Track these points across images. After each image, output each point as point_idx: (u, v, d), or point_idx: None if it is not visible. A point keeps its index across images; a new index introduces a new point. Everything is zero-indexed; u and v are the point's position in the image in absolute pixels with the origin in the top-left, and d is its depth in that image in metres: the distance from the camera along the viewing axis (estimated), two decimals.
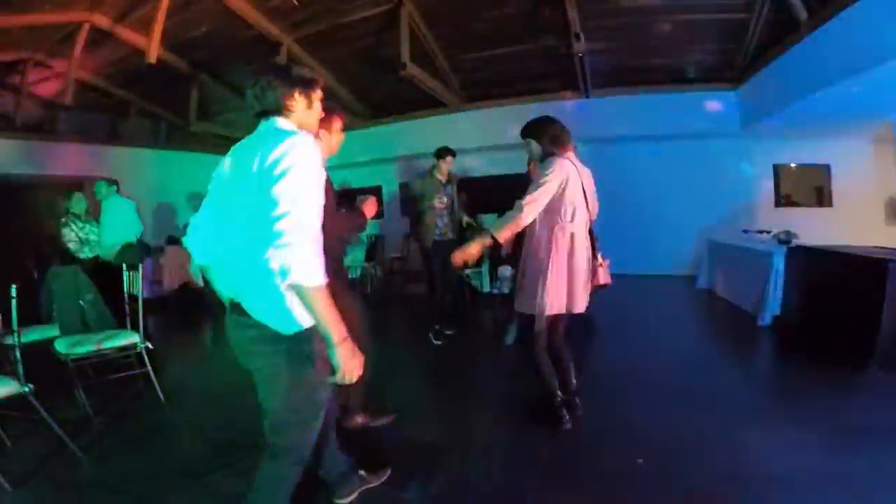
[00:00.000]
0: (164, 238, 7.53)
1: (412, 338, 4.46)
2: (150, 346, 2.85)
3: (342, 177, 8.72)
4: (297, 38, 6.78)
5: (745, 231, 5.66)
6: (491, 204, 5.93)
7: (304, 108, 1.47)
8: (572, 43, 5.93)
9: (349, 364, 1.28)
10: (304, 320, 1.30)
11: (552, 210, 2.25)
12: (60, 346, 2.59)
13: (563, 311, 2.32)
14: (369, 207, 2.30)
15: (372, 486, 1.98)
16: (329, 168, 2.27)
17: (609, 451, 2.28)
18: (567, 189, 2.25)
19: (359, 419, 2.50)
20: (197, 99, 7.54)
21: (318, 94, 1.52)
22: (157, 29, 5.44)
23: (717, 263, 5.75)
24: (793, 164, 6.91)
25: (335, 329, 1.26)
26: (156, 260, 6.69)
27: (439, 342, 4.03)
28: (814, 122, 5.80)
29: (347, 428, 2.39)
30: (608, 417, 2.54)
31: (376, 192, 8.77)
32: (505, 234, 2.20)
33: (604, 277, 2.43)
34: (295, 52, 6.89)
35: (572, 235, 2.29)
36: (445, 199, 4.10)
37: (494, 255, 5.44)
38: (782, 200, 6.91)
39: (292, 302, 1.27)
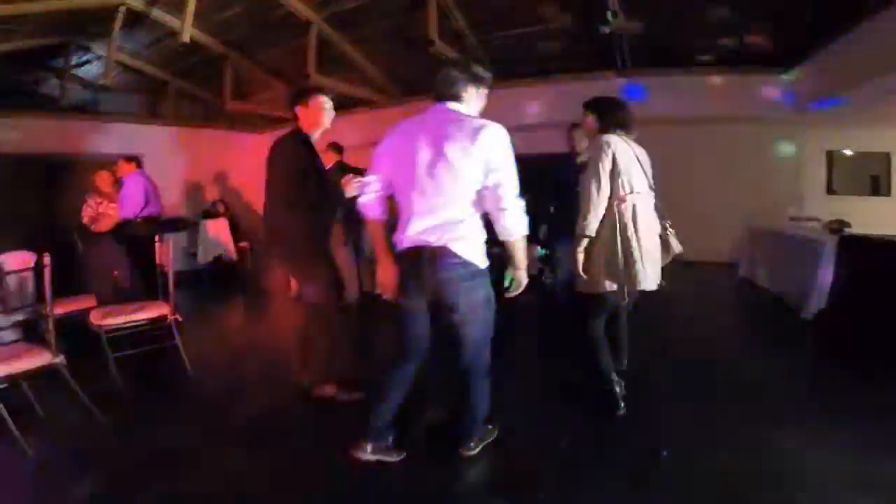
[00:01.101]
0: (199, 213, 7.74)
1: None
2: (179, 318, 2.92)
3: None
4: (326, 17, 6.74)
5: (793, 219, 5.32)
6: (522, 184, 5.78)
7: (474, 98, 1.87)
8: (608, 20, 5.66)
9: (524, 284, 1.86)
10: (485, 260, 1.80)
11: (613, 186, 2.19)
12: (94, 318, 2.67)
13: (628, 289, 2.21)
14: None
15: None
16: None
17: (635, 438, 2.22)
18: (618, 162, 2.17)
19: (328, 390, 2.55)
20: (232, 78, 7.63)
21: (484, 91, 1.91)
22: (190, 10, 5.51)
23: (759, 251, 5.44)
24: (848, 151, 6.46)
25: (523, 257, 1.80)
26: (190, 234, 6.88)
27: None
28: (874, 108, 5.38)
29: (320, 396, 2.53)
30: (637, 405, 2.43)
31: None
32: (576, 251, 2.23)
33: (676, 246, 2.35)
34: (325, 31, 6.87)
35: (634, 207, 2.19)
36: None
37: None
38: (835, 188, 6.48)
39: (483, 246, 1.78)
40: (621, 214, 2.18)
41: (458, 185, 1.70)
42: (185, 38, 5.60)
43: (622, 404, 2.35)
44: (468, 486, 1.93)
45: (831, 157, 6.49)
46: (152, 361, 3.04)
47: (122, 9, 6.22)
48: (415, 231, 1.75)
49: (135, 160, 4.70)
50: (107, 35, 6.50)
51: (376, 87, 8.25)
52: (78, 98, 7.65)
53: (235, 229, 6.92)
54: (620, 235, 2.17)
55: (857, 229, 4.19)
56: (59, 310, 2.82)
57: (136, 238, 3.85)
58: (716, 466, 1.97)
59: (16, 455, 1.98)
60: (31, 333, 2.62)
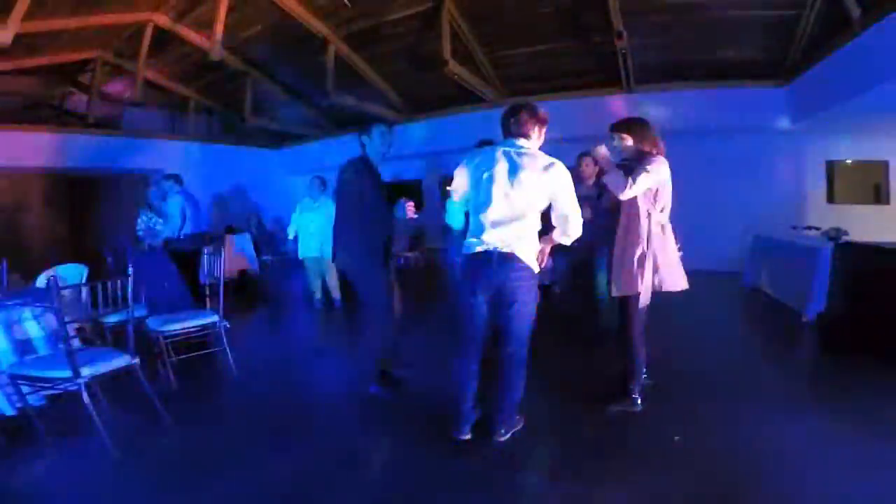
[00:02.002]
0: (223, 228, 7.99)
1: None
2: (227, 325, 3.17)
3: (389, 171, 9.01)
4: (343, 37, 7.03)
5: (794, 227, 5.54)
6: None
7: (536, 137, 2.30)
8: (614, 39, 5.94)
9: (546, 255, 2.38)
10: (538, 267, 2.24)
11: (649, 202, 2.47)
12: (153, 324, 2.93)
13: (667, 288, 2.53)
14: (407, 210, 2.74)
15: None
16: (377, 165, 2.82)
17: (653, 428, 2.42)
18: (664, 186, 2.50)
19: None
20: (251, 95, 7.92)
21: (545, 129, 2.34)
22: (219, 27, 5.77)
23: (763, 260, 5.65)
24: (848, 161, 6.68)
25: (549, 247, 2.35)
26: (201, 249, 7.09)
27: None
28: (872, 118, 5.60)
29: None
30: (655, 400, 2.65)
31: (416, 185, 9.01)
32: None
33: None
34: (342, 50, 7.16)
35: (662, 227, 2.54)
36: None
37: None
38: (835, 197, 6.70)
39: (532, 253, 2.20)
40: (655, 228, 2.48)
41: (527, 206, 2.16)
42: (216, 55, 5.85)
43: (640, 401, 2.58)
44: (500, 468, 2.13)
45: (831, 167, 6.70)
46: (199, 364, 3.28)
47: (151, 25, 6.53)
48: (488, 238, 2.15)
49: (174, 177, 4.93)
50: (134, 52, 6.79)
51: (390, 105, 8.52)
52: (104, 114, 7.92)
53: (263, 243, 7.15)
54: (655, 244, 2.47)
55: (858, 237, 4.39)
56: (115, 317, 3.05)
57: (179, 253, 4.11)
58: (729, 452, 2.17)
59: (102, 453, 2.18)
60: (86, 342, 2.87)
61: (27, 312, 2.54)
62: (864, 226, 5.12)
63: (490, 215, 2.17)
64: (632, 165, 2.47)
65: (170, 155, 8.20)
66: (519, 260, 2.15)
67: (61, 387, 2.17)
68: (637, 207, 2.46)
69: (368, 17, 6.53)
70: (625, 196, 2.38)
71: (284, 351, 4.19)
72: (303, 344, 4.50)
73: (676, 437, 2.29)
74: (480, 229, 2.20)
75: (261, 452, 2.32)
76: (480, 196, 2.21)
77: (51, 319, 2.67)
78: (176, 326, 2.98)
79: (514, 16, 6.28)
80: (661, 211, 2.52)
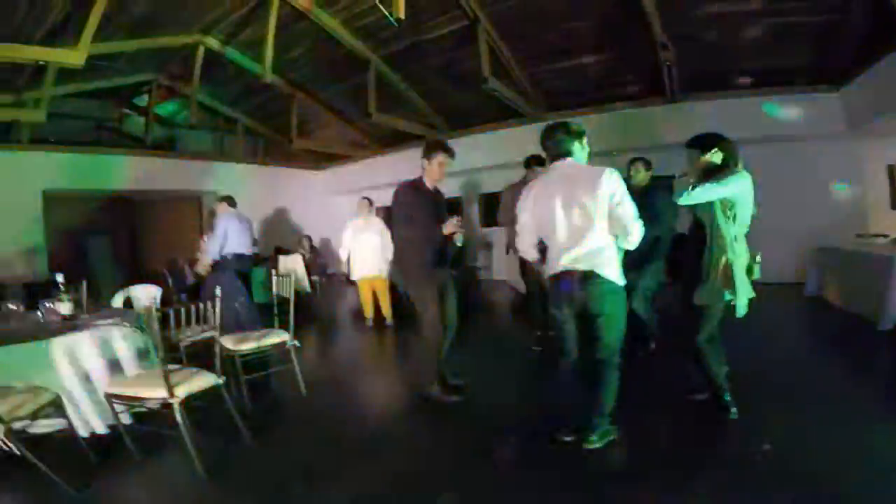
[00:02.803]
0: (273, 248, 8.14)
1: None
2: (297, 344, 3.22)
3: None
4: (383, 56, 7.19)
5: (860, 235, 5.31)
6: None
7: (581, 150, 2.33)
8: (656, 50, 5.89)
9: None
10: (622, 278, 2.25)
11: (739, 216, 2.50)
12: (228, 343, 2.99)
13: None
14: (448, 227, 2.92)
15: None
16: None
17: (729, 442, 2.39)
18: (743, 198, 2.51)
19: (433, 389, 2.99)
20: (297, 116, 8.16)
21: (586, 141, 2.36)
22: (269, 49, 5.98)
23: (828, 269, 5.43)
24: None
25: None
26: (268, 269, 7.25)
27: (539, 348, 4.14)
28: None
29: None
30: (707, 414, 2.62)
31: (456, 202, 9.05)
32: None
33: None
34: (382, 69, 7.33)
35: (742, 237, 2.55)
36: None
37: None
38: None
39: (620, 268, 2.22)
40: (741, 240, 2.51)
41: (591, 221, 2.16)
42: (268, 78, 6.06)
43: (734, 409, 2.55)
44: (587, 474, 2.15)
45: (892, 172, 6.40)
46: (268, 383, 3.34)
47: (202, 49, 6.83)
48: (565, 261, 2.21)
49: (226, 199, 5.06)
50: (185, 75, 7.10)
51: (427, 123, 8.64)
52: (158, 136, 8.27)
53: (311, 263, 7.24)
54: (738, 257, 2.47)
55: None
56: (188, 336, 3.11)
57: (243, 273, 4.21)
58: (813, 461, 2.12)
59: (190, 472, 2.20)
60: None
61: (116, 332, 2.63)
62: None
63: (559, 240, 2.23)
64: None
65: (219, 177, 8.49)
66: (598, 276, 2.18)
67: (153, 405, 2.22)
68: (720, 218, 2.45)
69: (406, 36, 6.66)
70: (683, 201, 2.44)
71: (346, 369, 4.25)
72: (362, 362, 4.57)
73: (767, 446, 2.23)
74: (555, 254, 2.27)
75: (342, 470, 2.33)
76: (546, 225, 2.29)
77: (136, 339, 2.76)
78: (251, 346, 3.03)
79: (551, 31, 6.30)
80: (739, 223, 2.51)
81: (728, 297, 2.47)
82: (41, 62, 4.93)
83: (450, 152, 3.04)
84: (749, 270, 2.54)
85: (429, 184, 3.07)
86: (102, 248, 7.73)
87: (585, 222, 2.17)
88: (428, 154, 3.03)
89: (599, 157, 6.72)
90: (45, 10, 5.04)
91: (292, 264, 6.68)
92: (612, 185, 2.14)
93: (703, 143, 2.57)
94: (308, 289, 6.64)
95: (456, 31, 6.44)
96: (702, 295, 2.50)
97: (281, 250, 7.57)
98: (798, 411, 2.65)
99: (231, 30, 6.71)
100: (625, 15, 5.72)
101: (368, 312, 5.44)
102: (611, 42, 6.33)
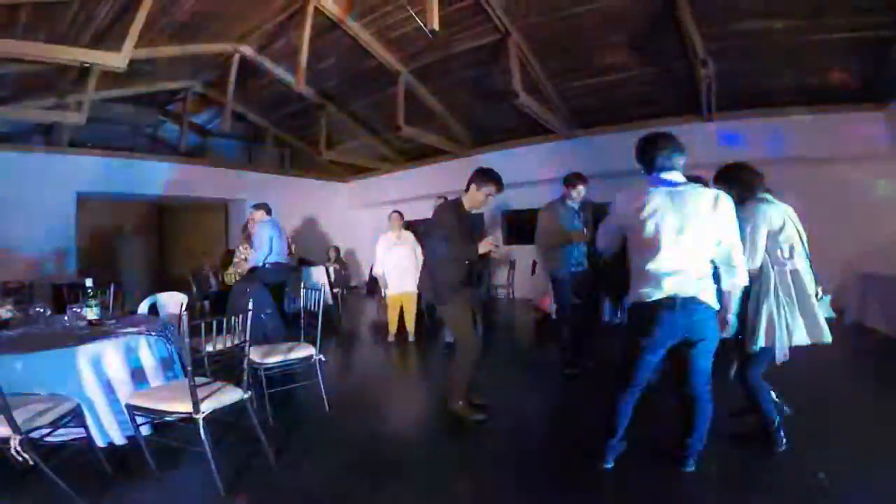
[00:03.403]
0: (296, 259, 8.11)
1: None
2: (323, 358, 3.12)
3: None
4: (412, 69, 7.19)
5: None
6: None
7: (680, 167, 2.17)
8: (695, 67, 5.74)
9: (732, 328, 2.19)
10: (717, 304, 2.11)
11: (770, 250, 2.36)
12: (254, 356, 2.89)
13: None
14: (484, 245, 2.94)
15: None
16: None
17: (792, 471, 2.29)
18: (777, 229, 2.35)
19: (460, 408, 2.96)
20: (325, 127, 8.20)
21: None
22: (303, 59, 5.99)
23: (872, 295, 5.18)
24: None
25: (735, 305, 2.16)
26: (295, 278, 7.22)
27: (569, 371, 3.96)
28: None
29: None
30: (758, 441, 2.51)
31: (480, 218, 8.93)
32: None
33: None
34: (411, 83, 7.33)
35: (794, 273, 2.35)
36: (581, 228, 4.01)
37: (616, 283, 5.29)
38: None
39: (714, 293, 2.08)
40: (780, 277, 2.37)
41: (702, 245, 2.05)
42: (301, 87, 6.08)
43: (784, 440, 2.44)
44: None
45: None
46: (291, 397, 3.25)
47: (237, 56, 6.92)
48: (670, 287, 2.04)
49: (263, 207, 5.05)
50: (220, 83, 7.19)
51: (452, 138, 8.60)
52: (191, 143, 8.40)
53: (339, 276, 7.18)
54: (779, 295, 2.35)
55: None
56: (212, 348, 3.05)
57: (266, 283, 4.16)
58: (869, 489, 2.06)
59: (210, 487, 2.11)
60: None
61: (142, 340, 2.57)
62: None
63: (665, 260, 2.05)
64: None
65: (247, 186, 8.56)
66: (702, 302, 2.07)
67: (176, 418, 2.13)
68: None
69: (437, 49, 6.64)
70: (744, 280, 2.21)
71: (369, 385, 4.12)
72: (385, 378, 4.47)
73: (821, 475, 2.17)
74: (653, 275, 2.08)
75: (365, 493, 2.23)
76: (650, 242, 2.08)
77: (161, 348, 2.70)
78: (277, 359, 2.94)
79: (582, 46, 6.21)
80: (790, 257, 2.39)
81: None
82: (86, 64, 5.03)
83: (501, 187, 3.01)
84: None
85: (467, 206, 3.06)
86: (130, 252, 7.83)
87: (696, 245, 2.05)
88: (480, 182, 2.99)
89: (630, 176, 6.68)
90: (91, 14, 5.17)
91: (316, 276, 6.62)
92: (727, 210, 2.06)
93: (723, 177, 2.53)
94: (330, 301, 6.57)
95: (486, 46, 6.40)
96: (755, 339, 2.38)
97: (305, 261, 7.53)
98: (846, 438, 2.58)
99: (266, 39, 6.80)
100: (661, 30, 5.61)
101: (393, 328, 5.33)
102: (645, 58, 6.21)
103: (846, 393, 3.42)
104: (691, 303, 2.04)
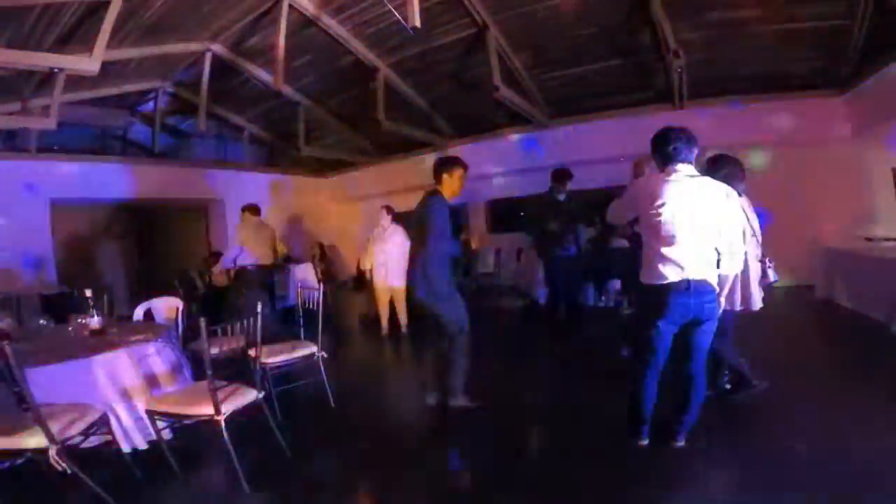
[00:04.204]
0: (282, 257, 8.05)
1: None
2: (325, 355, 3.21)
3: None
4: (391, 64, 7.20)
5: (869, 239, 5.39)
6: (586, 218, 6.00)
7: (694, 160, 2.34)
8: (666, 57, 5.96)
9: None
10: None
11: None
12: (258, 355, 2.96)
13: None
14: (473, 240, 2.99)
15: None
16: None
17: (763, 438, 2.50)
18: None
19: (461, 401, 3.03)
20: (304, 124, 8.13)
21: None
22: (279, 57, 5.89)
23: (839, 272, 5.52)
24: None
25: (727, 287, 2.36)
26: (280, 276, 7.19)
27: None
28: None
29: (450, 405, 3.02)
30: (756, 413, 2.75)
31: (462, 209, 9.07)
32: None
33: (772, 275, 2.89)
34: (390, 77, 7.34)
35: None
36: (563, 218, 4.25)
37: (603, 268, 5.54)
38: None
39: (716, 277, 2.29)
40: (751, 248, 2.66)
41: (711, 234, 2.23)
42: (280, 86, 6.03)
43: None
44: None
45: None
46: (294, 394, 3.32)
47: (209, 55, 6.79)
48: (684, 268, 2.22)
49: (248, 209, 5.01)
50: (193, 82, 7.04)
51: (434, 130, 8.66)
52: (165, 144, 8.21)
53: (326, 271, 7.18)
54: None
55: None
56: (215, 349, 3.10)
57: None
58: (842, 461, 2.20)
59: (235, 486, 2.20)
60: None
61: (151, 348, 2.61)
62: None
63: (679, 246, 2.22)
64: None
65: (226, 184, 8.44)
66: (710, 285, 2.27)
67: (195, 421, 2.21)
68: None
69: (416, 44, 6.67)
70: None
71: (370, 378, 4.25)
72: (385, 370, 4.59)
73: (799, 446, 2.35)
74: (665, 259, 2.25)
75: (384, 478, 2.38)
76: (669, 229, 2.22)
77: (169, 354, 2.75)
78: (282, 358, 3.02)
79: (559, 38, 6.35)
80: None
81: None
82: (55, 69, 4.88)
83: (466, 166, 3.12)
84: None
85: (448, 196, 3.10)
86: (111, 258, 7.65)
87: (708, 233, 2.22)
88: (448, 169, 3.07)
89: (608, 163, 6.89)
90: (55, 17, 5.00)
91: (303, 273, 6.63)
92: (734, 204, 2.27)
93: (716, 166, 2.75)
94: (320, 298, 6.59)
95: (465, 39, 6.46)
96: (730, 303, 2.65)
97: (290, 259, 7.51)
98: (815, 411, 2.77)
99: (239, 37, 6.68)
100: (633, 22, 5.80)
101: (385, 321, 5.43)
102: (619, 49, 6.39)
103: (812, 370, 3.58)
104: (701, 286, 2.22)
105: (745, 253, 2.52)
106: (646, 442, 2.44)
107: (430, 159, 8.72)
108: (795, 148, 6.75)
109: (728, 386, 2.98)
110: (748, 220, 2.74)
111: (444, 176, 3.06)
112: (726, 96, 6.86)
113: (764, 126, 6.67)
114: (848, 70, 6.07)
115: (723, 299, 2.36)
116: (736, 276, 2.48)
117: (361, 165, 10.26)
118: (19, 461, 1.82)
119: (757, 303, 2.82)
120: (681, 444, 2.40)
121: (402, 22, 4.88)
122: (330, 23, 6.16)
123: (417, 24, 4.56)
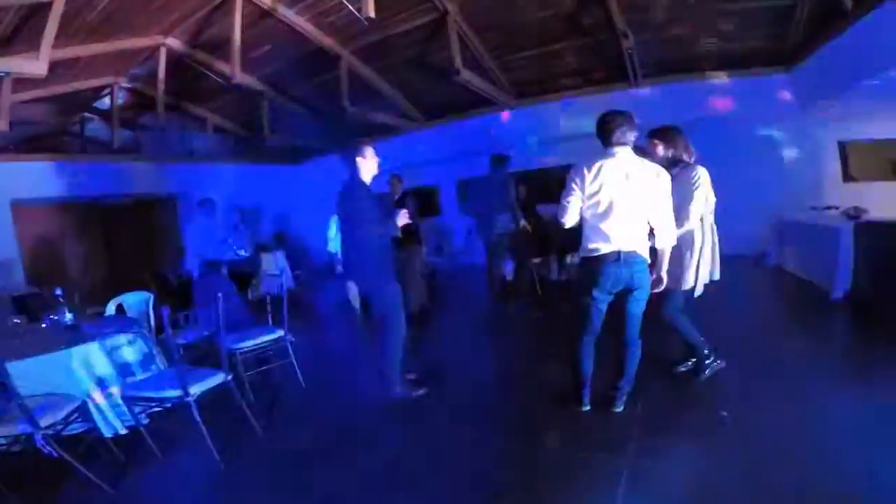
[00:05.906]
0: (253, 246, 8.08)
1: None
2: (292, 339, 3.38)
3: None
4: (353, 51, 7.20)
5: (814, 208, 5.69)
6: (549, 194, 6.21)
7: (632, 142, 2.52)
8: (618, 38, 6.13)
9: (664, 284, 2.61)
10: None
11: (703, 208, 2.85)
12: (227, 342, 3.10)
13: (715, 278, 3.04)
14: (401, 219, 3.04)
15: None
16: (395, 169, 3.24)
17: (694, 408, 2.70)
18: (710, 189, 2.89)
19: (400, 389, 3.09)
20: (268, 113, 8.09)
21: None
22: (235, 49, 5.92)
23: (786, 241, 5.83)
24: (863, 140, 6.76)
25: (666, 263, 2.57)
26: (251, 266, 7.22)
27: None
28: (879, 103, 5.72)
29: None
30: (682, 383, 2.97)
31: (434, 190, 9.19)
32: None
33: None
34: (353, 64, 7.34)
35: (711, 225, 2.96)
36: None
37: (560, 243, 5.79)
38: (851, 176, 6.82)
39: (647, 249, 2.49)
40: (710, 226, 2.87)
41: (644, 208, 2.44)
42: (237, 78, 6.02)
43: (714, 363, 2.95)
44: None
45: (844, 148, 6.84)
46: (267, 377, 3.50)
47: (163, 50, 6.70)
48: (615, 241, 2.44)
49: (200, 203, 5.08)
50: (150, 76, 6.94)
51: (403, 114, 8.71)
52: (124, 139, 8.05)
53: (293, 258, 7.27)
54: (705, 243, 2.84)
55: (879, 214, 4.50)
56: (187, 337, 3.25)
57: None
58: (775, 427, 2.38)
59: (211, 463, 2.39)
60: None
61: (122, 338, 2.74)
62: (885, 201, 5.18)
63: (614, 221, 2.43)
64: (675, 176, 2.73)
65: (192, 177, 8.37)
66: (640, 256, 2.48)
67: (170, 404, 2.37)
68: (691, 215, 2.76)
69: (377, 31, 6.68)
70: (692, 225, 2.72)
71: (340, 361, 4.41)
72: (355, 354, 4.72)
73: (724, 414, 2.52)
74: (602, 233, 2.46)
75: (354, 448, 2.58)
76: (604, 207, 2.44)
77: (140, 344, 2.88)
78: (249, 343, 3.17)
79: (517, 21, 6.44)
80: (711, 213, 2.90)
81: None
82: (1, 73, 4.80)
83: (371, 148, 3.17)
84: None
85: (368, 180, 3.13)
86: (78, 257, 7.58)
87: (640, 208, 2.43)
88: (361, 153, 3.11)
89: (568, 141, 7.10)
90: None
91: (269, 263, 6.72)
92: (665, 182, 2.47)
93: (661, 134, 2.88)
94: (292, 284, 6.72)
95: (426, 24, 6.51)
96: (674, 282, 2.80)
97: (262, 248, 7.58)
98: (752, 378, 2.96)
99: (194, 30, 6.60)
100: (588, 4, 5.93)
101: (357, 304, 5.59)
102: (576, 31, 6.53)
103: (755, 333, 3.85)
104: (631, 256, 2.45)
105: (701, 227, 2.78)
106: (587, 408, 2.64)
107: (403, 142, 8.90)
108: (749, 123, 7.05)
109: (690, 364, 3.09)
110: (699, 192, 2.80)
111: (359, 160, 3.10)
112: (680, 74, 7.09)
113: (716, 102, 6.94)
114: (794, 46, 6.33)
115: (664, 274, 2.56)
116: (688, 254, 2.75)
117: (332, 152, 10.26)
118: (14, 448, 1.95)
119: (703, 279, 2.90)
120: (619, 409, 2.61)
121: (356, 13, 4.91)
122: (287, 13, 6.12)
123: (372, 14, 4.63)
